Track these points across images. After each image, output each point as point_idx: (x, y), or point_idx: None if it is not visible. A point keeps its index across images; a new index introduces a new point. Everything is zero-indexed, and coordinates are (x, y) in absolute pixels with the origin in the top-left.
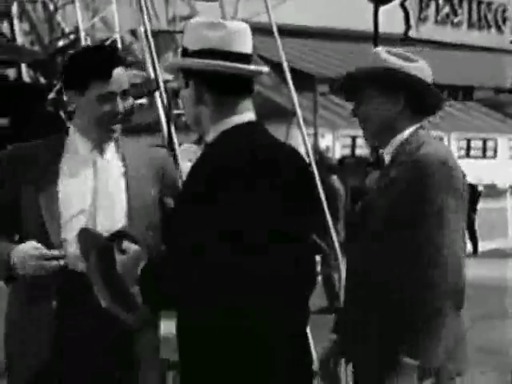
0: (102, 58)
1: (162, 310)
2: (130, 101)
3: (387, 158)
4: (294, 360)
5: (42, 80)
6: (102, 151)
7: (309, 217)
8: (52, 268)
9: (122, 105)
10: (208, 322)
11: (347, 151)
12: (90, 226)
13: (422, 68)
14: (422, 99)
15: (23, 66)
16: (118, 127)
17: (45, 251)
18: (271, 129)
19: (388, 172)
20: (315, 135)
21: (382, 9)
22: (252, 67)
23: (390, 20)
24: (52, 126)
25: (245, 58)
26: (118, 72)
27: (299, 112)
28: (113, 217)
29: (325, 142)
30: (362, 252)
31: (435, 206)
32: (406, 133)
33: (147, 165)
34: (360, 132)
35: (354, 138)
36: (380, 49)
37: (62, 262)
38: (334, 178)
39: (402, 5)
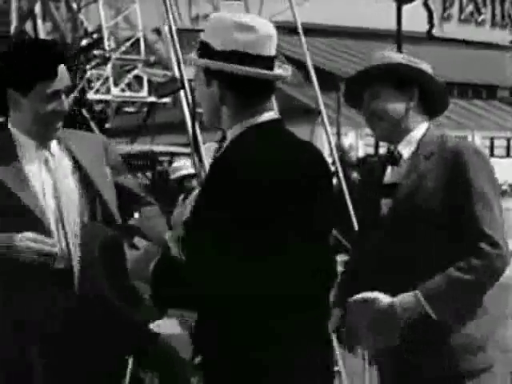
0: (46, 56)
1: (172, 309)
2: (70, 98)
3: (406, 154)
4: (315, 359)
5: None
6: (48, 148)
7: (326, 216)
8: (43, 252)
9: (66, 102)
10: (228, 321)
11: (370, 150)
12: (59, 226)
13: (427, 69)
14: (432, 96)
15: None
16: (61, 125)
17: (41, 237)
18: (295, 128)
19: (416, 166)
20: (338, 134)
21: (406, 7)
22: (278, 72)
23: (414, 19)
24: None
25: (271, 61)
26: (61, 69)
27: (324, 111)
28: (77, 212)
29: (348, 140)
30: (398, 240)
31: (480, 192)
32: (422, 129)
33: (94, 152)
34: None
35: None
36: (387, 50)
37: (55, 250)
38: (355, 175)
39: (426, 3)
